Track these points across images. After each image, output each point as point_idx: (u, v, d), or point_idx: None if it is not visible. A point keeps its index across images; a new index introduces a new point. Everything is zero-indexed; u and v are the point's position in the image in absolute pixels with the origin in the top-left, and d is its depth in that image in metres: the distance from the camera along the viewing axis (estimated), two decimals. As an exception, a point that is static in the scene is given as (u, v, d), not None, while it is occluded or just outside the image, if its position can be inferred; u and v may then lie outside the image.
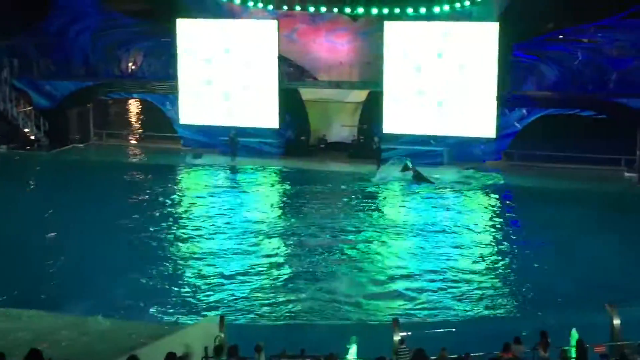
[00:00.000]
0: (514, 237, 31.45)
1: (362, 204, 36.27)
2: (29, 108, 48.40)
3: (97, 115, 51.93)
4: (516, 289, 25.89)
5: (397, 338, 17.72)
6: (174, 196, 38.04)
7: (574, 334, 17.74)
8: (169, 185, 40.15)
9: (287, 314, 24.03)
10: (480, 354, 17.04)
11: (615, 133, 41.21)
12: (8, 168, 44.48)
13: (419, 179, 40.03)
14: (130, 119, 60.11)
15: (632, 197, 37.69)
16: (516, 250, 29.84)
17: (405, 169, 41.04)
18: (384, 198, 37.84)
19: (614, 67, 42.70)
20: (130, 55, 50.45)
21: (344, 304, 24.64)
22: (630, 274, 26.54)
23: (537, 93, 43.34)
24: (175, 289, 25.85)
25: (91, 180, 40.17)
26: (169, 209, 35.43)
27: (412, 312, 24.08)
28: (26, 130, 47.94)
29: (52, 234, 30.26)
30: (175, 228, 32.60)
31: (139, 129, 56.08)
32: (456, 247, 30.26)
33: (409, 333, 18.18)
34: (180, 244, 30.48)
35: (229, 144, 44.47)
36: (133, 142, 51.61)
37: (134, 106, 62.53)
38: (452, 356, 17.07)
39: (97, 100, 50.70)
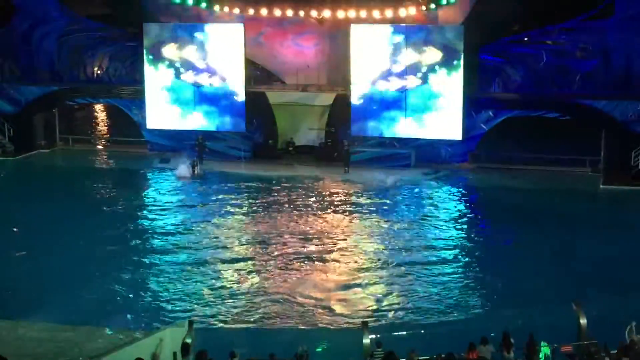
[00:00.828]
0: (479, 238, 31.65)
1: (330, 207, 36.29)
2: (-7, 113, 47.93)
3: (63, 120, 51.55)
4: (483, 290, 26.03)
5: (366, 341, 17.75)
6: (141, 202, 37.83)
7: (544, 349, 17.82)
8: (136, 190, 39.93)
9: (256, 318, 23.98)
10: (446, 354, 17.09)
11: (580, 134, 41.64)
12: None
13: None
14: (97, 124, 59.75)
15: (596, 197, 38.08)
16: (482, 251, 30.03)
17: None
18: (352, 201, 37.87)
19: (578, 68, 43.16)
20: (96, 59, 50.13)
21: (313, 308, 24.64)
22: (596, 270, 26.80)
23: (503, 95, 43.67)
24: (143, 295, 25.71)
25: (58, 186, 39.91)
26: (135, 215, 35.20)
27: (380, 314, 24.13)
28: (-9, 135, 47.51)
29: (21, 253, 29.91)
30: (142, 234, 32.42)
31: (105, 134, 55.76)
32: (424, 248, 30.36)
33: (377, 335, 18.23)
34: (147, 250, 30.31)
35: (197, 148, 44.32)
36: (100, 147, 51.32)
37: (100, 111, 62.17)
38: (422, 357, 17.17)
39: (62, 105, 50.30)
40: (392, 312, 24.35)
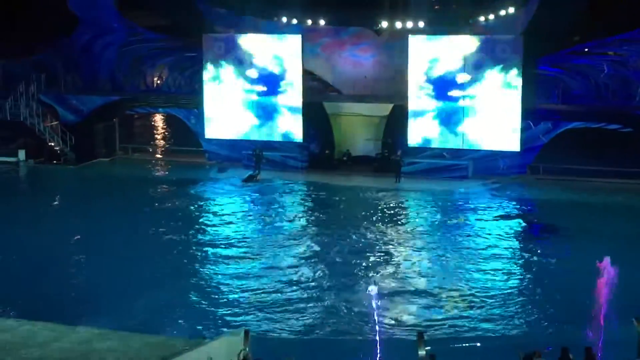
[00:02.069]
0: (538, 252, 31.22)
1: (385, 217, 36.21)
2: (56, 122, 48.83)
3: (123, 130, 52.31)
4: (541, 305, 25.66)
5: (422, 352, 17.63)
6: (199, 210, 38.16)
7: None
8: (194, 199, 40.27)
9: (313, 328, 24.00)
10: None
11: (641, 146, 40.97)
12: (35, 181, 44.92)
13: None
14: (156, 133, 60.48)
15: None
16: (541, 266, 29.63)
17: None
18: (407, 211, 37.74)
19: (640, 79, 42.54)
20: (156, 70, 50.83)
21: (369, 319, 24.56)
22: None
23: (562, 106, 43.14)
24: (201, 303, 25.87)
25: (117, 194, 40.44)
26: (193, 223, 35.51)
27: (436, 326, 23.96)
28: (52, 144, 48.35)
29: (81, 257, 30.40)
30: (200, 242, 32.68)
31: (164, 143, 56.41)
32: (479, 260, 30.11)
33: (429, 348, 18.09)
34: (205, 258, 30.53)
35: (254, 158, 44.60)
36: (158, 156, 51.93)
37: (159, 120, 62.92)
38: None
39: (123, 114, 51.05)
40: (448, 324, 24.16)
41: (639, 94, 42.58)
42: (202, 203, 39.65)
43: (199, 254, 31.04)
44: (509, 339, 22.72)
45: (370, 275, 28.56)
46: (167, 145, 55.14)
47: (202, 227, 34.98)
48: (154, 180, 44.82)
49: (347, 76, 46.31)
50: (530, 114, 42.24)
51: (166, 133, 59.97)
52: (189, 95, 48.22)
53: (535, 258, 30.38)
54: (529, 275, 28.62)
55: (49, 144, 48.32)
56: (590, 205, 37.81)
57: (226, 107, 46.31)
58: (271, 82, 45.47)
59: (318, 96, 46.58)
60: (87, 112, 48.56)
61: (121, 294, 25.79)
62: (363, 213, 36.98)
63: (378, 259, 30.38)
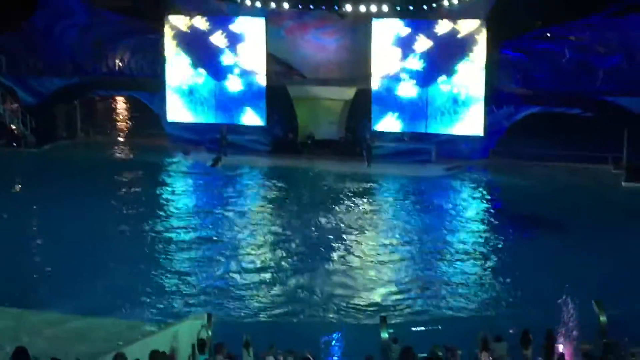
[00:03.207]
0: (499, 236, 31.44)
1: (349, 202, 36.26)
2: (16, 105, 48.14)
3: (84, 112, 51.76)
4: (502, 287, 25.89)
5: (384, 336, 17.71)
6: (161, 194, 37.93)
7: None
8: (157, 182, 40.02)
9: (275, 312, 24.00)
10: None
11: (602, 131, 41.30)
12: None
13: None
14: (117, 116, 59.96)
15: (618, 194, 37.76)
16: (502, 249, 29.87)
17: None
18: (372, 195, 37.84)
19: (601, 64, 42.80)
20: (117, 52, 50.28)
21: (330, 303, 24.62)
22: (617, 273, 26.54)
23: (524, 91, 43.35)
24: (163, 286, 25.77)
25: (78, 177, 40.01)
26: (155, 207, 35.30)
27: (398, 310, 24.07)
28: (13, 127, 47.70)
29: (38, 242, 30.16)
30: (161, 226, 32.51)
31: (126, 126, 55.94)
32: (443, 244, 30.28)
33: (391, 331, 18.18)
34: (167, 242, 30.37)
35: (220, 140, 44.42)
36: (120, 139, 51.51)
37: (121, 103, 62.38)
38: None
39: (84, 97, 50.50)
40: (411, 307, 24.29)
41: (600, 79, 42.89)
42: (164, 187, 39.40)
43: (161, 237, 30.89)
44: (471, 321, 22.90)
45: (334, 258, 28.60)
46: (129, 129, 54.65)
47: (164, 211, 34.78)
48: (116, 164, 44.44)
49: (311, 60, 46.13)
50: (493, 99, 42.43)
51: (128, 116, 59.45)
52: (150, 78, 47.75)
53: (498, 243, 30.57)
54: (491, 260, 28.80)
55: (9, 126, 47.65)
56: (551, 190, 38.13)
57: (188, 90, 45.99)
58: (234, 65, 45.21)
59: (282, 80, 46.37)
60: (48, 94, 47.95)
61: (82, 278, 25.62)
62: (325, 196, 36.99)
63: (341, 243, 30.40)
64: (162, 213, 34.33)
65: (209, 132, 45.61)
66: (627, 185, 38.73)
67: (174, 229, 32.05)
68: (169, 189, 39.04)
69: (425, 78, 42.66)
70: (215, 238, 30.86)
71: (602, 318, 18.24)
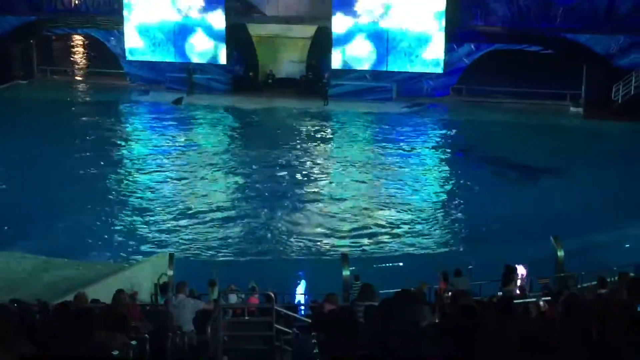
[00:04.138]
0: (459, 173, 31.69)
1: (309, 140, 36.27)
2: (-30, 44, 47.19)
3: (41, 51, 50.85)
4: (460, 224, 26.19)
5: (346, 273, 17.87)
6: (121, 134, 37.63)
7: None
8: (116, 122, 39.67)
9: (237, 250, 24.10)
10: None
11: (562, 68, 41.51)
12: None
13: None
14: (75, 55, 58.99)
15: (577, 130, 38.11)
16: (461, 186, 30.13)
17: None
18: (331, 134, 37.86)
19: (561, 2, 42.81)
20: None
21: (293, 240, 24.77)
22: (575, 208, 26.91)
23: (485, 28, 43.31)
24: (123, 227, 25.74)
25: (36, 118, 39.48)
26: (116, 147, 35.05)
27: (359, 247, 24.28)
28: (-33, 67, 46.82)
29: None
30: (123, 167, 32.33)
31: (84, 66, 55.13)
32: (402, 182, 30.44)
33: (353, 268, 18.33)
34: (128, 182, 30.25)
35: (187, 79, 44.07)
36: (78, 78, 50.80)
37: (78, 42, 61.33)
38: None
39: (40, 35, 49.55)
40: (372, 245, 24.50)
41: (560, 15, 42.95)
42: (124, 127, 39.10)
43: (122, 178, 30.74)
44: (431, 257, 23.19)
45: (294, 196, 28.69)
46: (87, 68, 53.88)
47: (124, 151, 34.57)
48: (74, 104, 43.91)
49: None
50: (453, 36, 42.36)
51: (86, 55, 58.50)
52: (108, 15, 46.90)
53: (457, 181, 30.82)
54: (450, 197, 29.04)
55: (-37, 66, 46.76)
56: (511, 126, 38.32)
57: (147, 28, 45.31)
58: (194, 2, 44.54)
59: (241, 18, 45.84)
60: (3, 33, 46.95)
61: (43, 219, 25.47)
62: (285, 134, 36.97)
63: (300, 182, 30.48)
64: (121, 154, 34.08)
65: (168, 71, 45.12)
66: (585, 122, 39.06)
67: (134, 169, 31.87)
68: (128, 129, 38.72)
69: (384, 15, 42.36)
70: (175, 178, 30.75)
71: (560, 253, 18.55)
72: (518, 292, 16.83)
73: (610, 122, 38.18)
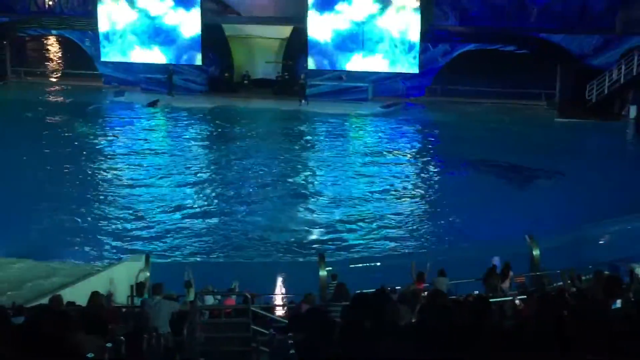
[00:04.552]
0: (436, 173, 31.78)
1: (285, 140, 36.26)
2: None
3: (14, 53, 50.51)
4: (438, 223, 26.23)
5: (323, 273, 17.86)
6: (96, 135, 37.40)
7: None
8: (91, 123, 39.45)
9: (214, 251, 24.01)
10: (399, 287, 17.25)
11: (536, 68, 41.75)
12: None
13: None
14: (49, 57, 58.66)
15: (551, 129, 38.31)
16: (438, 185, 30.21)
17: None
18: (308, 134, 37.86)
19: (535, 2, 43.10)
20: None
21: (271, 241, 24.72)
22: (552, 207, 27.06)
23: (460, 28, 43.52)
24: (100, 228, 25.56)
25: (10, 119, 39.19)
26: (91, 149, 34.85)
27: (337, 247, 24.27)
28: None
29: None
30: (97, 168, 32.12)
31: (58, 67, 54.81)
32: (379, 182, 30.46)
33: (330, 268, 18.33)
34: (103, 184, 30.06)
35: (167, 80, 43.91)
36: (52, 79, 50.51)
37: (53, 43, 60.99)
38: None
39: (13, 36, 49.22)
40: (350, 245, 24.50)
41: (534, 15, 43.22)
42: (99, 128, 38.87)
43: (98, 179, 30.55)
44: (408, 257, 23.20)
45: (271, 196, 28.66)
46: (61, 69, 53.57)
47: (100, 152, 34.36)
48: (49, 105, 43.65)
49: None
50: (429, 36, 42.50)
51: (60, 56, 58.19)
52: (83, 17, 46.69)
53: (434, 181, 30.89)
54: (427, 197, 29.08)
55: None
56: (486, 126, 38.41)
57: (121, 29, 45.12)
58: (169, 4, 44.40)
59: (217, 18, 45.77)
60: (-25, 34, 46.70)
61: (16, 221, 25.24)
62: (262, 134, 36.93)
63: (280, 180, 30.46)
64: (97, 154, 33.90)
65: (143, 72, 44.96)
66: (559, 121, 39.31)
67: (110, 170, 31.70)
68: (103, 130, 38.51)
69: (360, 15, 42.41)
70: (150, 179, 30.60)
71: (535, 252, 18.67)
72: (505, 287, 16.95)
73: (585, 120, 38.45)
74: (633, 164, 33.74)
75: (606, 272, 14.92)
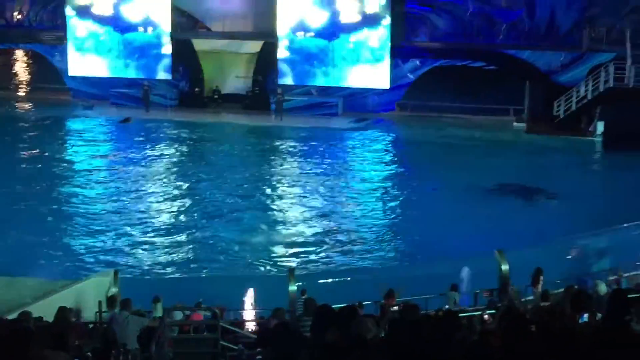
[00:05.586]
0: (405, 188, 31.85)
1: (256, 155, 36.23)
2: None
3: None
4: (406, 238, 26.27)
5: (292, 288, 17.82)
6: (64, 150, 37.17)
7: None
8: (58, 138, 39.20)
9: (183, 267, 23.91)
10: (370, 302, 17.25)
11: (505, 84, 42.09)
12: None
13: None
14: (18, 71, 58.26)
15: (519, 145, 38.58)
16: (408, 200, 30.27)
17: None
18: (279, 149, 37.85)
19: (504, 18, 43.51)
20: (16, 3, 48.70)
21: (240, 256, 24.65)
22: (523, 220, 27.20)
23: (429, 44, 43.82)
24: (69, 243, 25.37)
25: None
26: (59, 164, 34.60)
27: (307, 262, 24.25)
28: None
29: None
30: (65, 183, 31.89)
31: (26, 81, 54.44)
32: (348, 198, 30.49)
33: (300, 283, 18.30)
34: (72, 199, 29.85)
35: (142, 96, 43.74)
36: (21, 94, 50.15)
37: (21, 57, 60.61)
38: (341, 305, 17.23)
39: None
40: (320, 260, 24.49)
41: (503, 32, 43.63)
42: (66, 142, 38.61)
43: (65, 195, 30.32)
44: (379, 272, 23.23)
45: (240, 211, 28.58)
46: (30, 83, 53.20)
47: (68, 167, 34.14)
48: (17, 119, 43.27)
49: (216, 12, 45.56)
50: (399, 52, 42.73)
51: (29, 70, 57.81)
52: (51, 31, 46.45)
53: (404, 196, 30.95)
54: (395, 212, 29.13)
55: None
56: (456, 142, 38.62)
57: (91, 43, 44.93)
58: (139, 18, 44.31)
59: (187, 33, 45.73)
60: (-58, 48, 46.31)
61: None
62: (232, 150, 36.88)
63: (248, 197, 30.39)
64: (64, 170, 33.65)
65: (112, 86, 44.79)
66: (527, 136, 39.60)
67: (77, 186, 31.48)
68: (71, 145, 38.27)
69: (331, 31, 42.60)
70: (120, 194, 30.43)
71: (504, 267, 18.71)
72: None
73: (553, 136, 38.79)
74: (600, 179, 34.13)
75: (576, 287, 15.03)
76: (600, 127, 38.98)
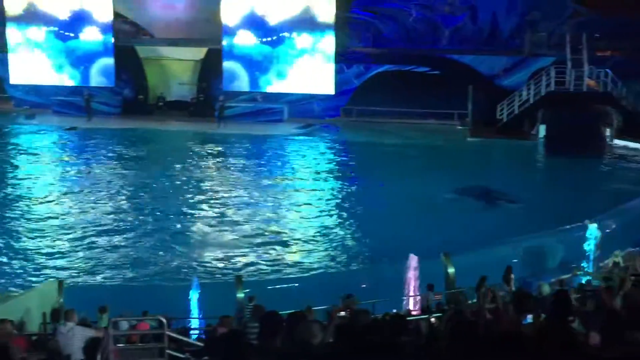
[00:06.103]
0: (350, 192, 31.94)
1: (198, 162, 36.10)
2: None
3: None
4: (354, 242, 26.34)
5: (240, 295, 17.77)
6: (5, 159, 36.57)
7: None
8: (1, 148, 38.61)
9: (128, 275, 23.67)
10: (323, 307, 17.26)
11: (449, 88, 42.41)
12: None
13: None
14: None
15: (463, 149, 38.96)
16: (352, 205, 30.34)
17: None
18: (221, 156, 37.72)
19: (447, 24, 43.95)
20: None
21: (187, 263, 24.50)
22: (463, 222, 27.45)
23: (373, 50, 44.05)
24: (9, 254, 24.95)
25: None
26: (2, 175, 34.04)
27: (253, 268, 24.18)
28: None
29: None
30: (10, 193, 31.39)
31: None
32: (296, 204, 30.50)
33: (247, 290, 18.25)
34: (13, 208, 29.37)
35: (85, 104, 43.23)
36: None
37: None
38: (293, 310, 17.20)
39: None
40: (267, 265, 24.44)
41: (446, 37, 44.05)
42: (7, 152, 38.02)
43: (9, 205, 29.84)
44: (330, 277, 23.25)
45: (187, 218, 28.42)
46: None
47: (12, 178, 33.60)
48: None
49: (159, 19, 45.30)
50: (343, 57, 42.88)
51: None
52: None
53: (349, 200, 31.02)
54: (344, 218, 29.15)
55: None
56: (401, 146, 38.84)
57: (32, 50, 44.32)
58: (81, 25, 43.85)
59: (130, 40, 45.36)
60: None
61: None
62: (177, 157, 36.66)
63: (196, 202, 30.26)
64: (5, 180, 33.13)
65: (54, 95, 44.23)
66: (471, 140, 40.01)
67: (18, 195, 31.01)
68: (12, 154, 37.70)
69: (275, 37, 42.60)
70: (62, 202, 30.05)
71: (450, 270, 18.91)
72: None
73: (496, 139, 39.27)
74: (543, 181, 34.62)
75: (520, 288, 15.21)
76: (542, 129, 39.56)
